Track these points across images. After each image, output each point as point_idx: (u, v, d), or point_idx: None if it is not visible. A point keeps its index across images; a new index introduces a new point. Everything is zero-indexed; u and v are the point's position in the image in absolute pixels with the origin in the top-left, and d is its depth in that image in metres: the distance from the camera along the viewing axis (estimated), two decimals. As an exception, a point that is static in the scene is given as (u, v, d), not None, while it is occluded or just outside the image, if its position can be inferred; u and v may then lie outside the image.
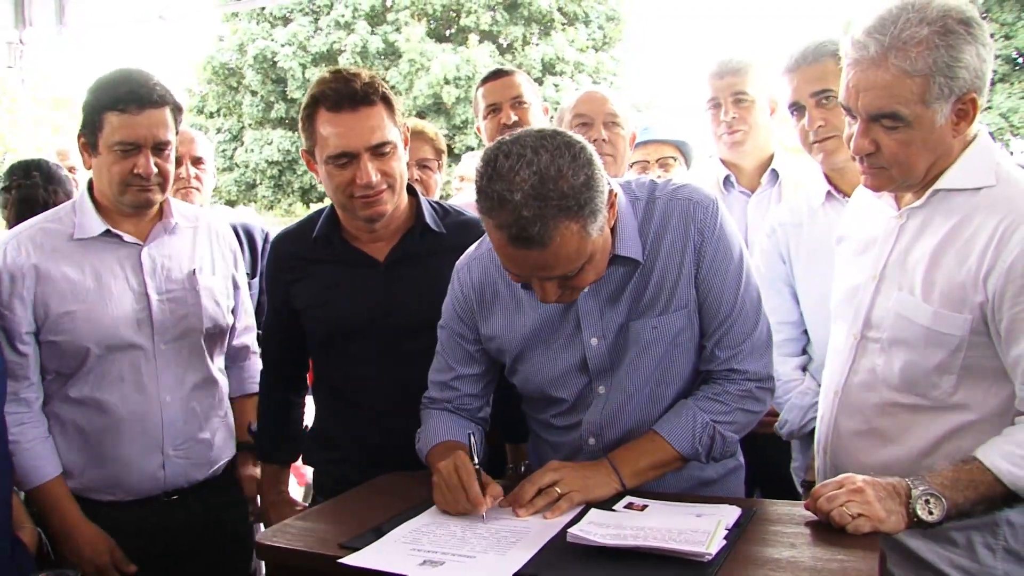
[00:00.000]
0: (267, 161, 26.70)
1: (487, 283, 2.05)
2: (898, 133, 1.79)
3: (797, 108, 2.50)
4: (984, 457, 1.70)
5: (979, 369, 1.80)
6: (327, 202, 2.37)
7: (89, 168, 2.40)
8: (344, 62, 25.31)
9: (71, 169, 3.91)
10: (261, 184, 27.13)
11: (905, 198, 1.94)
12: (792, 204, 2.62)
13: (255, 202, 25.61)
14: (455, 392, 2.13)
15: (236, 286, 2.64)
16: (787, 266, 2.55)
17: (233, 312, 2.61)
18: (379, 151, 2.17)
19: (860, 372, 1.97)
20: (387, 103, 2.20)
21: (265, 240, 3.58)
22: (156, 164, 2.31)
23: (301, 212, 25.97)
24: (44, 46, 5.39)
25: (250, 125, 27.21)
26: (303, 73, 25.74)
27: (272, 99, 26.79)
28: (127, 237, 2.39)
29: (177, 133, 2.39)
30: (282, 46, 25.96)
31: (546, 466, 1.89)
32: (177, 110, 2.38)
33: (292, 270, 2.37)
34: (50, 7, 5.04)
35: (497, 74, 3.25)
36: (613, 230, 1.87)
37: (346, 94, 2.14)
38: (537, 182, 1.63)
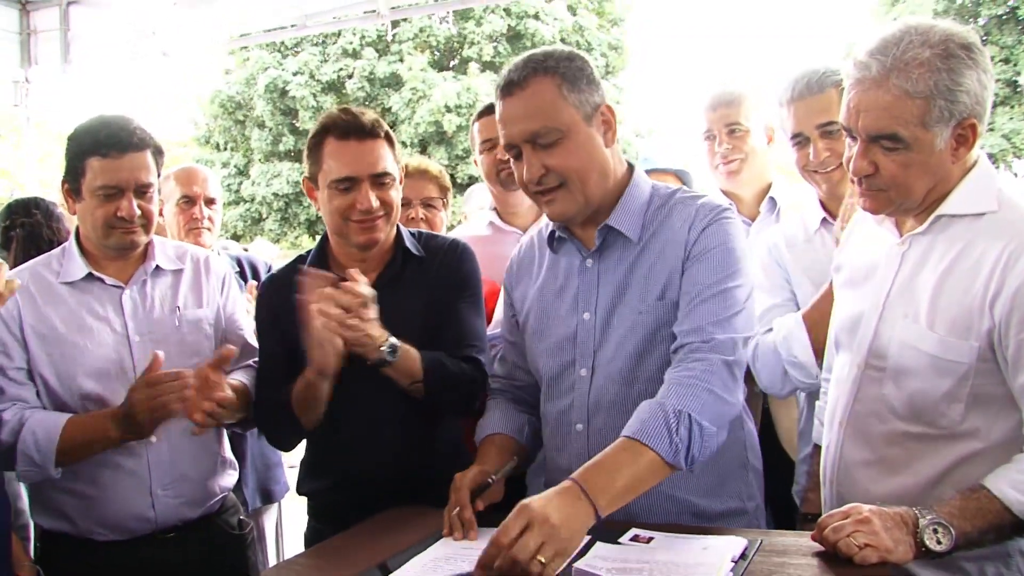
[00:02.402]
0: (274, 194, 26.81)
1: (527, 251, 2.28)
2: (897, 155, 1.78)
3: (800, 139, 2.50)
4: (992, 485, 1.68)
5: (987, 396, 1.78)
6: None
7: (74, 214, 2.44)
8: (352, 87, 25.53)
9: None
10: (268, 218, 27.24)
11: (907, 224, 1.93)
12: (786, 229, 2.62)
13: (261, 235, 25.66)
14: (507, 366, 2.29)
15: (230, 313, 2.60)
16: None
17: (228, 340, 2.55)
18: (380, 180, 2.29)
19: (866, 401, 1.95)
20: (390, 141, 2.34)
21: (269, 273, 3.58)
22: (139, 206, 2.35)
23: (308, 244, 26.03)
24: (49, 84, 5.43)
25: (259, 159, 27.36)
26: (315, 101, 25.92)
27: (281, 131, 26.96)
28: (109, 280, 2.42)
29: (159, 175, 2.43)
30: (293, 75, 26.18)
31: (514, 513, 1.64)
32: (158, 152, 2.42)
33: (283, 305, 2.36)
34: (55, 46, 5.09)
35: (492, 110, 3.24)
36: (618, 202, 2.02)
37: (355, 126, 2.28)
38: (530, 54, 1.97)
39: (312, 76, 26.08)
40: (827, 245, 2.44)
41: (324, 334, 2.05)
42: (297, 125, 26.53)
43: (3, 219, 3.34)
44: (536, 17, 26.14)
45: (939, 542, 1.63)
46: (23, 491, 2.81)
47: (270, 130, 27.07)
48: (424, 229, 2.84)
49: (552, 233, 2.15)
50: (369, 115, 2.32)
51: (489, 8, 24.64)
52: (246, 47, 24.17)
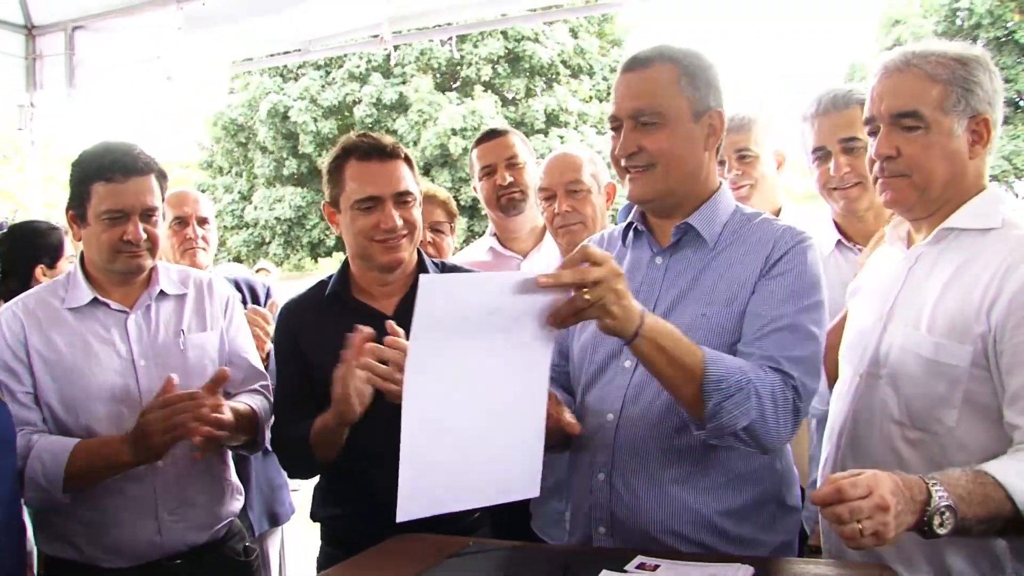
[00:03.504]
0: (276, 218, 26.88)
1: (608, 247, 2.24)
2: (918, 136, 1.85)
3: (821, 153, 2.52)
4: (997, 473, 1.62)
5: (981, 406, 1.77)
6: (336, 257, 2.40)
7: (79, 240, 2.45)
8: (360, 113, 25.64)
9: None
10: (271, 242, 27.30)
11: (916, 240, 1.96)
12: None
13: (265, 259, 25.72)
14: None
15: (233, 336, 2.61)
16: None
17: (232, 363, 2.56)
18: (402, 199, 2.32)
19: (865, 410, 1.96)
20: (409, 162, 2.37)
21: (267, 295, 3.58)
22: (145, 230, 2.36)
23: (311, 267, 26.08)
24: (54, 108, 5.45)
25: (262, 183, 27.45)
26: (315, 126, 26.01)
27: (283, 155, 27.05)
28: (114, 305, 2.42)
29: (163, 200, 2.45)
30: (294, 100, 26.28)
31: (601, 255, 1.68)
32: (162, 176, 2.44)
33: (303, 330, 2.40)
34: (60, 70, 5.12)
35: (490, 135, 3.28)
36: (702, 206, 2.02)
37: (376, 147, 2.32)
38: (665, 44, 2.02)
39: (313, 101, 26.19)
40: (841, 268, 2.45)
41: (356, 388, 2.03)
42: (299, 149, 26.63)
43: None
44: (536, 40, 26.29)
45: (942, 525, 1.56)
46: (26, 517, 2.80)
47: (272, 154, 27.19)
48: (432, 253, 2.84)
49: (628, 227, 2.16)
50: (388, 138, 2.35)
51: (486, 31, 24.81)
52: (249, 72, 24.32)
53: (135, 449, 2.21)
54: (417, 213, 2.36)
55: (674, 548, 1.91)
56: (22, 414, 2.31)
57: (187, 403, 2.16)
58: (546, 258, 2.96)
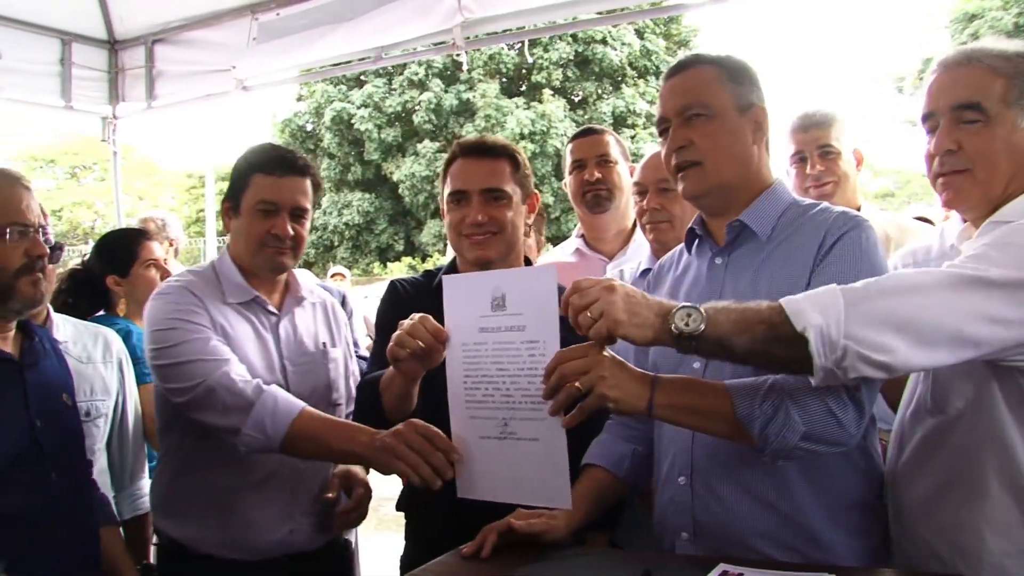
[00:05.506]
0: (345, 224, 27.20)
1: (668, 258, 2.28)
2: (979, 129, 1.79)
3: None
4: (786, 302, 1.64)
5: (993, 394, 1.73)
6: (404, 262, 2.41)
7: (227, 231, 2.49)
8: (418, 120, 25.83)
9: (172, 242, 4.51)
10: (339, 246, 27.66)
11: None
12: (912, 248, 2.39)
13: (334, 263, 26.06)
14: None
15: (351, 355, 2.67)
16: None
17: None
18: (492, 195, 2.35)
19: (912, 403, 1.95)
20: (514, 162, 2.39)
21: (343, 302, 3.62)
22: (293, 228, 2.40)
23: (379, 271, 26.38)
24: (135, 119, 5.60)
25: (329, 188, 27.81)
26: (379, 134, 26.26)
27: (349, 161, 27.38)
28: (270, 306, 2.46)
29: (316, 206, 2.50)
30: (358, 108, 26.58)
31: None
32: (317, 185, 2.49)
33: (410, 307, 2.30)
34: (141, 82, 5.26)
35: (586, 132, 3.34)
36: (757, 200, 2.00)
37: (478, 145, 2.41)
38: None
39: (377, 108, 26.44)
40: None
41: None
42: (365, 156, 26.91)
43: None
44: (603, 42, 26.25)
45: (688, 324, 1.63)
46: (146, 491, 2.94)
47: (338, 160, 27.53)
48: None
49: (691, 233, 2.15)
50: (496, 139, 2.40)
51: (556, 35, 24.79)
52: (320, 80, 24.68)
53: (374, 451, 2.07)
54: (509, 213, 2.36)
55: (759, 552, 1.89)
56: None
57: (439, 449, 2.00)
58: (632, 262, 2.95)
